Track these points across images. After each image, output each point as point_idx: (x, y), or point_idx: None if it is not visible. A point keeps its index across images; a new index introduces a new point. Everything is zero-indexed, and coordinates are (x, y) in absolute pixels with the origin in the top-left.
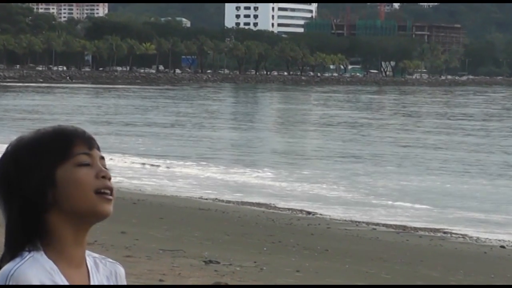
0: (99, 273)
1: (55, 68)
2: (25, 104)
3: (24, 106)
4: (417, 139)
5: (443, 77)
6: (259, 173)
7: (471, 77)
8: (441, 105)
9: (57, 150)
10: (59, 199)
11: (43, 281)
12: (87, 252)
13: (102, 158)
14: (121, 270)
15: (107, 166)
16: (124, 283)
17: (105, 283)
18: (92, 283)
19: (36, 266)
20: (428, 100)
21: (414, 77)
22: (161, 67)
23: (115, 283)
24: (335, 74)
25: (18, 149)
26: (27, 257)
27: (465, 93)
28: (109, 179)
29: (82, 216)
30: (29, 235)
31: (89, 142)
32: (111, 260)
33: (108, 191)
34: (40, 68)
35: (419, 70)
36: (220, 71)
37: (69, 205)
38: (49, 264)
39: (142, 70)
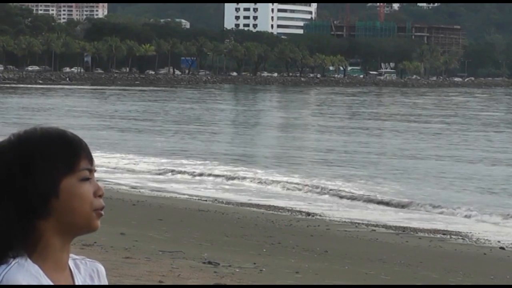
0: (81, 274)
1: (70, 69)
2: (27, 105)
3: (26, 107)
4: (416, 141)
5: (408, 78)
6: (258, 174)
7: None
8: (443, 109)
9: (66, 162)
10: (57, 209)
11: (32, 284)
12: None
13: (95, 171)
14: (101, 268)
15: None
16: (106, 281)
17: (89, 282)
18: (76, 284)
19: (22, 271)
20: (428, 102)
21: (383, 77)
22: (174, 70)
23: (98, 281)
24: (337, 75)
25: (26, 149)
26: (13, 263)
27: (458, 94)
28: (103, 195)
29: (76, 229)
30: (16, 240)
31: (90, 157)
32: (90, 260)
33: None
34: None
35: (388, 70)
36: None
37: (68, 218)
38: (34, 268)
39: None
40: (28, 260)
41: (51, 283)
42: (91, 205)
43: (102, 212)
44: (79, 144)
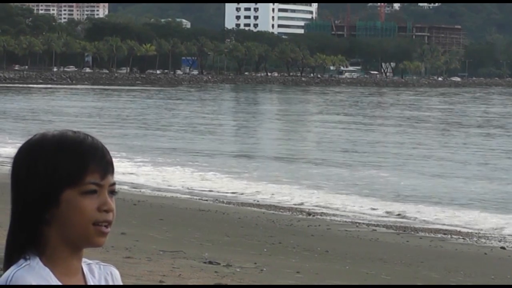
0: (95, 278)
1: (88, 69)
2: (31, 106)
3: (30, 108)
4: (416, 141)
5: (365, 76)
6: (259, 174)
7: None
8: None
9: (70, 173)
10: (57, 219)
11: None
12: (83, 259)
13: (113, 184)
14: (116, 272)
15: (116, 189)
16: (120, 284)
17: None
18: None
19: (32, 272)
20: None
21: (344, 76)
22: (189, 71)
23: (112, 284)
24: (337, 76)
25: (36, 152)
26: (23, 265)
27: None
28: (111, 211)
29: (76, 241)
30: (26, 242)
31: (104, 170)
32: (104, 264)
33: (105, 224)
34: (56, 69)
35: (349, 69)
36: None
37: (65, 228)
38: (45, 271)
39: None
40: (40, 263)
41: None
42: (91, 219)
43: (106, 228)
44: (91, 156)
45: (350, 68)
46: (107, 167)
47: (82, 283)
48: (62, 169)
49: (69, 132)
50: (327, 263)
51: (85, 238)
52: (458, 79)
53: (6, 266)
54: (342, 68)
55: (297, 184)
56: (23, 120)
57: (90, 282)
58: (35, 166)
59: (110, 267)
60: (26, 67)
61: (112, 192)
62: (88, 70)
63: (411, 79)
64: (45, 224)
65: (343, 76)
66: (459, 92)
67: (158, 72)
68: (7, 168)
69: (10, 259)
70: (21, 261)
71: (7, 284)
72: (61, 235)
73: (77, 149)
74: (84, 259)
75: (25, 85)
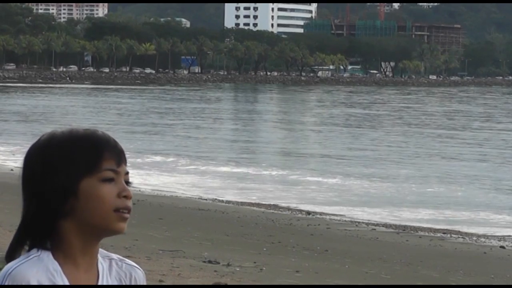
0: (110, 276)
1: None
2: (33, 105)
3: (32, 108)
4: (417, 141)
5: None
6: (259, 173)
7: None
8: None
9: (86, 162)
10: (77, 209)
11: (42, 282)
12: (105, 253)
13: (127, 173)
14: (138, 274)
15: (129, 179)
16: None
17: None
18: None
19: (38, 266)
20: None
21: (320, 74)
22: (197, 69)
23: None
24: (323, 73)
25: (49, 148)
26: (32, 256)
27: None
28: (131, 198)
29: (96, 230)
30: (40, 234)
31: (118, 157)
32: (129, 262)
33: (126, 211)
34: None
35: (325, 67)
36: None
37: (86, 218)
38: (53, 265)
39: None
40: (50, 256)
41: (67, 282)
42: (112, 206)
43: (127, 214)
44: (104, 145)
45: (324, 67)
46: (121, 155)
47: (93, 280)
48: (78, 158)
49: (77, 128)
50: (327, 262)
51: (106, 225)
52: (437, 78)
53: (8, 260)
54: (316, 67)
55: (296, 184)
56: (19, 121)
57: (103, 280)
58: (51, 162)
59: (133, 267)
60: (36, 66)
61: (127, 182)
62: (90, 69)
63: (410, 79)
64: (62, 218)
65: (319, 75)
66: (458, 92)
67: (156, 70)
68: (7, 168)
69: (21, 248)
70: (33, 251)
71: (4, 280)
72: (79, 226)
73: (90, 139)
74: (108, 254)
75: (23, 85)
